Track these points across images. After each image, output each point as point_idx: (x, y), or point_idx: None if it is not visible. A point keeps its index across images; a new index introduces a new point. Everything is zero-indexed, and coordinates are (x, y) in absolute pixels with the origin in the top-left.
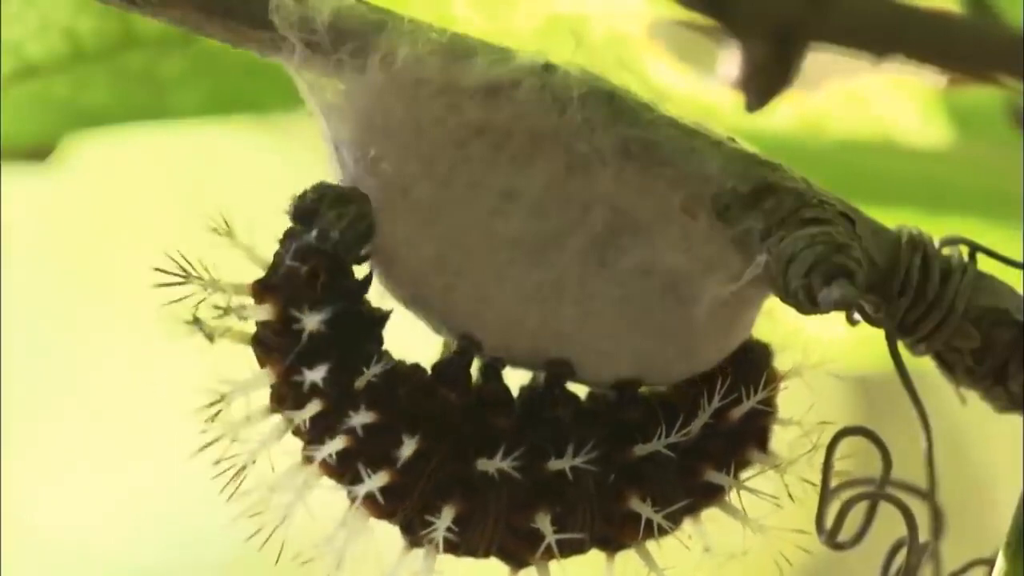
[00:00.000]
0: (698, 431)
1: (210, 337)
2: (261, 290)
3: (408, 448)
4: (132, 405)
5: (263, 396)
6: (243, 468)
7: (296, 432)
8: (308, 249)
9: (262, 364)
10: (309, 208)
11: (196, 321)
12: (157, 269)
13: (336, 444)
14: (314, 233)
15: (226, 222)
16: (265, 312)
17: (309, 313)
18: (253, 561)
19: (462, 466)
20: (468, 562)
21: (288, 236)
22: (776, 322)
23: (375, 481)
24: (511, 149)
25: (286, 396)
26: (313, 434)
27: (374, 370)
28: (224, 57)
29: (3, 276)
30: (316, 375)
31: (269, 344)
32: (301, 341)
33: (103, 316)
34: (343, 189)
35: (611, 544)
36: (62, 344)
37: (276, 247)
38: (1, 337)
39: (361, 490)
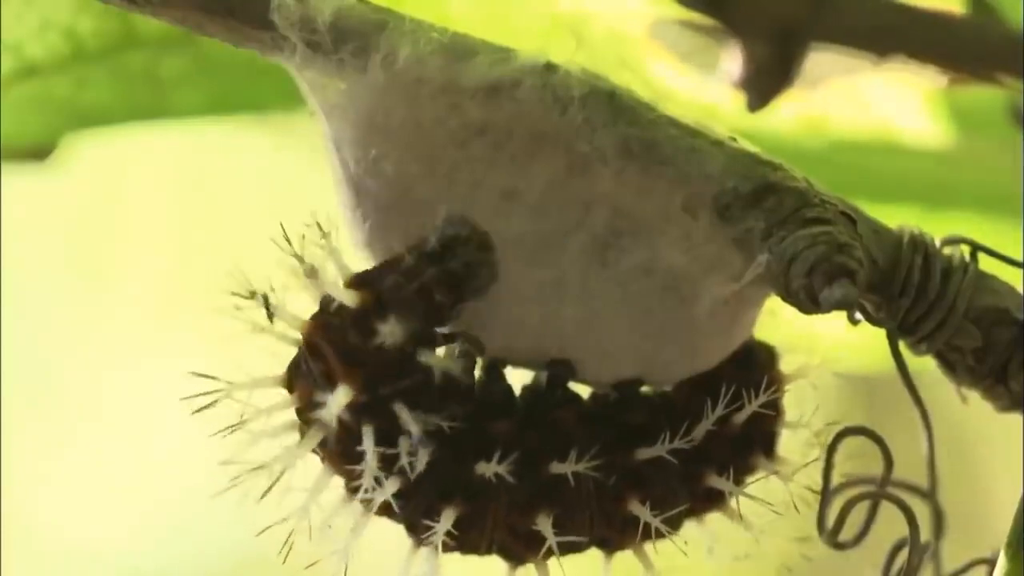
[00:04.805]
0: (702, 435)
1: (270, 316)
2: (378, 305)
3: (424, 458)
4: (132, 405)
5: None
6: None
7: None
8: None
9: (338, 377)
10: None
11: (263, 297)
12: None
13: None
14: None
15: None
16: (390, 332)
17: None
18: (254, 562)
19: (463, 469)
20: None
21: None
22: (779, 322)
23: (389, 487)
24: (512, 149)
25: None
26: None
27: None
28: (225, 57)
29: (3, 276)
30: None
31: (356, 355)
32: (400, 360)
33: (103, 315)
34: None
35: (610, 545)
36: (62, 344)
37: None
38: (1, 337)
39: (377, 497)
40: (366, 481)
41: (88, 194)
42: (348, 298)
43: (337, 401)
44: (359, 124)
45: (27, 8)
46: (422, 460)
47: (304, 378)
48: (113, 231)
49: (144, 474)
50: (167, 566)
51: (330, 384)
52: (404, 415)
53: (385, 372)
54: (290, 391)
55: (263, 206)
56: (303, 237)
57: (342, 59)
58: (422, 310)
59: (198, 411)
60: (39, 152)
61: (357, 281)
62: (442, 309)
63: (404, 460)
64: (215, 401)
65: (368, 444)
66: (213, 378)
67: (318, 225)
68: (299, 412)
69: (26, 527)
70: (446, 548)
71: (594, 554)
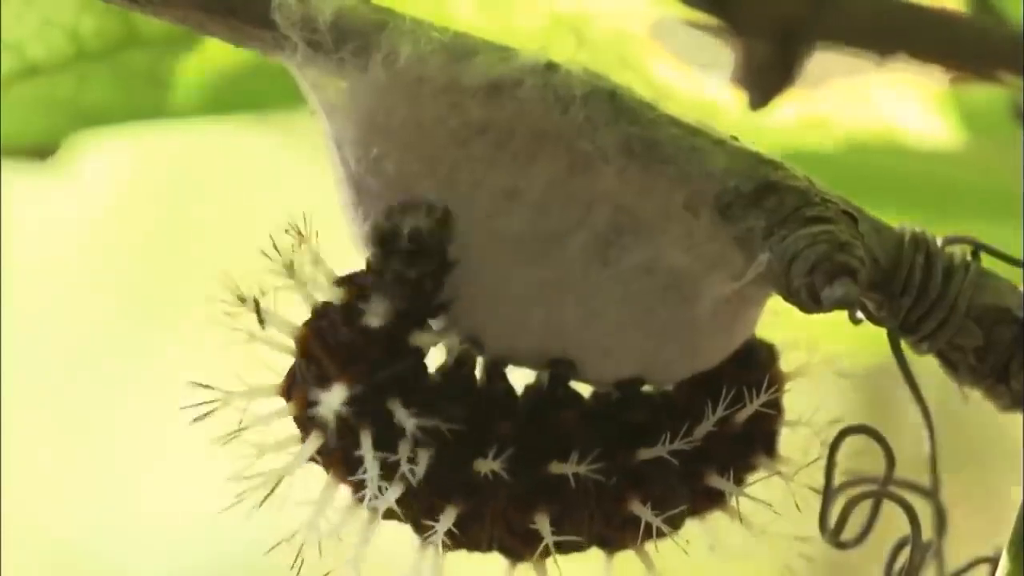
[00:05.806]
0: (703, 435)
1: (261, 321)
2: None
3: (424, 461)
4: (134, 405)
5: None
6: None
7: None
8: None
9: (332, 377)
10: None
11: (254, 302)
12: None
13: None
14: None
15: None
16: (376, 312)
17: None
18: (255, 564)
19: (462, 468)
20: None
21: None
22: (780, 321)
23: (392, 493)
24: (513, 148)
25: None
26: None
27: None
28: (226, 56)
29: (5, 276)
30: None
31: (348, 350)
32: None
33: (105, 315)
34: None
35: (611, 544)
36: (64, 343)
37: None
38: (1, 337)
39: (381, 504)
40: (370, 489)
41: (90, 193)
42: (334, 295)
43: (333, 398)
44: (360, 123)
45: (28, 8)
46: (422, 464)
47: (300, 385)
48: (115, 230)
49: (145, 476)
50: (168, 567)
51: (326, 386)
52: (399, 411)
53: (377, 360)
54: (288, 400)
55: (264, 206)
56: (291, 245)
57: (343, 58)
58: (405, 289)
59: (197, 420)
60: (41, 152)
61: (339, 280)
62: (422, 283)
63: (404, 467)
64: (212, 411)
65: (366, 446)
66: (210, 388)
67: (296, 230)
68: (298, 419)
69: (26, 527)
70: (448, 546)
71: (595, 553)
